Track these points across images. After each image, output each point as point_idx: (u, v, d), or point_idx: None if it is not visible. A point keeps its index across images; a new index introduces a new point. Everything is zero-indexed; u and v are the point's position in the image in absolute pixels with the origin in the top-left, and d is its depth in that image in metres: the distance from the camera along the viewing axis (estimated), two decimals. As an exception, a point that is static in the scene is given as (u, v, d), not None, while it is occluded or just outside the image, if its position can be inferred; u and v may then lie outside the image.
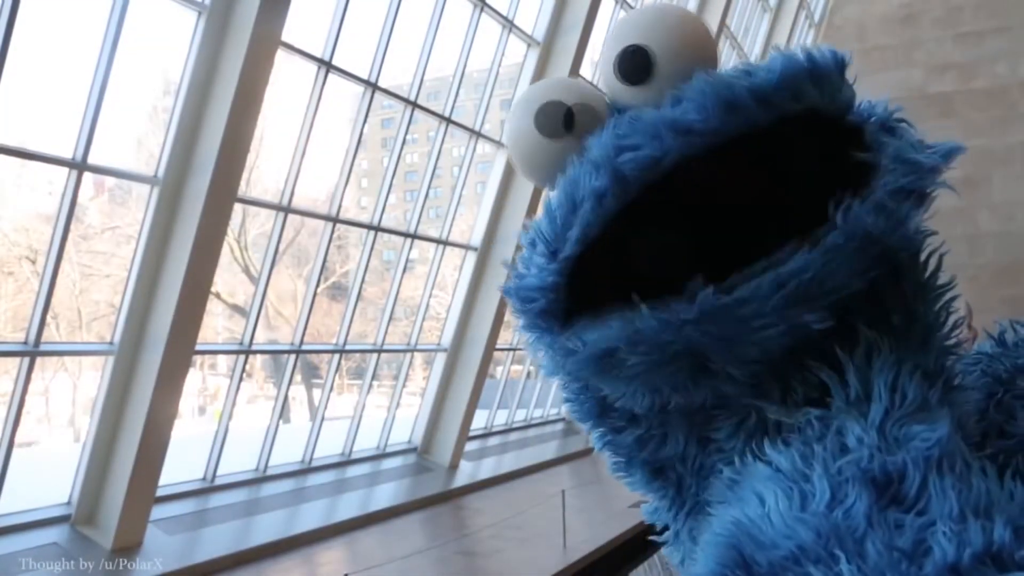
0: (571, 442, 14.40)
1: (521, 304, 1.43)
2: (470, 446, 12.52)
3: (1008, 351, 1.64)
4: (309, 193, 17.21)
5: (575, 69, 11.78)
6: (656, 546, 1.77)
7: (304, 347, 9.98)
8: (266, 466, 9.76)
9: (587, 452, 13.76)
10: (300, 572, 7.64)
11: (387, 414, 11.83)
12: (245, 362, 9.38)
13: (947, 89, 19.55)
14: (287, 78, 11.35)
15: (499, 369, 14.90)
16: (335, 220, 9.69)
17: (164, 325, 7.33)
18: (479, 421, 13.27)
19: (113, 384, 7.50)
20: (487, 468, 12.08)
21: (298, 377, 16.03)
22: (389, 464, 11.29)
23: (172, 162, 7.39)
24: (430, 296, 12.05)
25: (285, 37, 7.76)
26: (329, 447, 10.77)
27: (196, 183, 7.36)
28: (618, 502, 9.38)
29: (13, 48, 6.14)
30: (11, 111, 7.07)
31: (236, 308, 18.07)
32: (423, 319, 11.92)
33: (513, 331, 14.38)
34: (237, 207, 8.16)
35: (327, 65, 8.77)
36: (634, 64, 1.35)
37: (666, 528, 1.69)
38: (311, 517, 8.87)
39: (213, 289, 8.67)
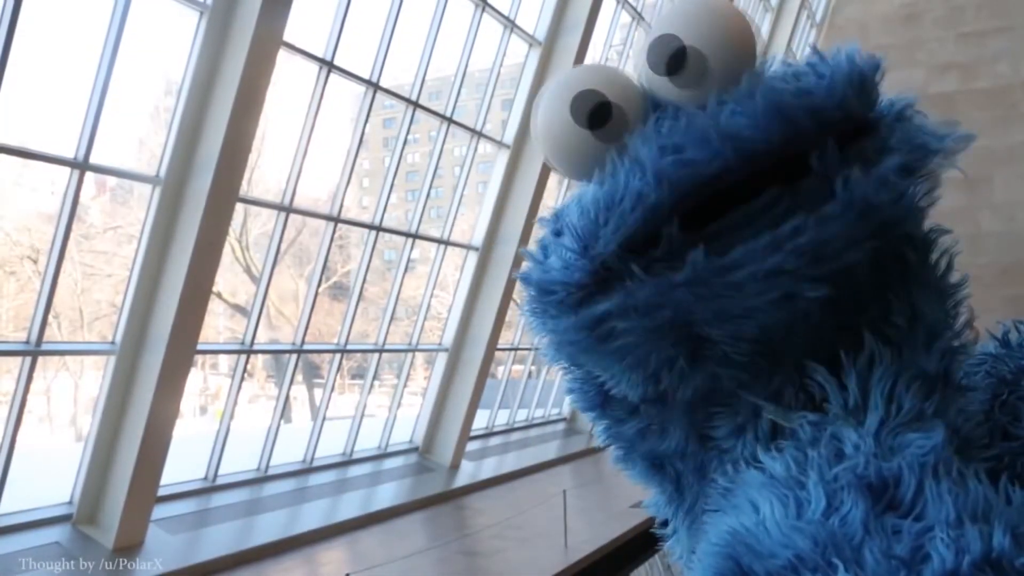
0: (572, 442, 14.40)
1: (540, 294, 1.39)
2: (471, 446, 12.52)
3: (1012, 352, 1.63)
4: (310, 193, 17.24)
5: (576, 69, 11.76)
6: (657, 546, 1.77)
7: (305, 347, 9.97)
8: (267, 466, 9.76)
9: (588, 452, 13.76)
10: (301, 572, 7.64)
11: (388, 414, 11.83)
12: (246, 362, 9.38)
13: (949, 89, 19.53)
14: (288, 78, 11.37)
15: (500, 369, 14.90)
16: (336, 220, 9.69)
17: (165, 325, 7.34)
18: (480, 421, 13.26)
19: (114, 383, 7.50)
20: (488, 468, 12.08)
21: (299, 377, 16.06)
22: (390, 464, 11.29)
23: (174, 162, 7.40)
24: (431, 296, 12.05)
25: (287, 37, 7.76)
26: (330, 447, 10.78)
27: (198, 183, 7.37)
28: (619, 502, 9.38)
29: (15, 48, 6.14)
30: (13, 111, 7.08)
31: (237, 308, 18.09)
32: (424, 319, 11.93)
33: (514, 331, 14.39)
34: (238, 207, 8.16)
35: (328, 65, 8.77)
36: (683, 62, 1.31)
37: (667, 522, 1.69)
38: (312, 517, 8.87)
39: (214, 289, 8.68)
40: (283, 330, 19.41)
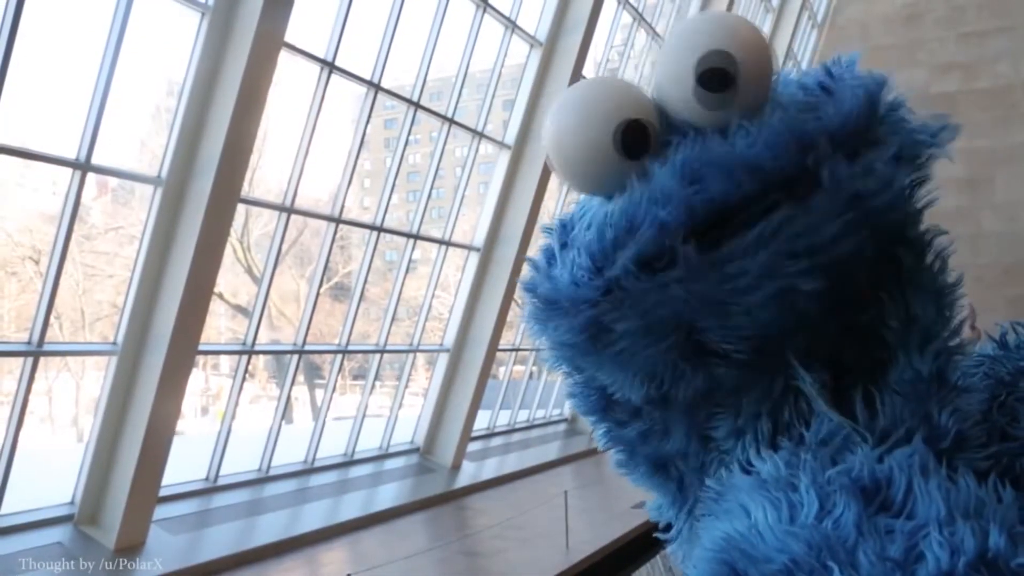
0: (573, 443, 14.39)
1: (547, 306, 1.40)
2: (472, 447, 12.52)
3: (1010, 353, 1.64)
4: (312, 193, 17.25)
5: (578, 69, 11.77)
6: (659, 547, 1.77)
7: (307, 347, 9.98)
8: (269, 466, 9.76)
9: (590, 453, 13.75)
10: (302, 572, 7.65)
11: (389, 414, 11.83)
12: (248, 362, 9.38)
13: (950, 89, 19.52)
14: (290, 79, 11.38)
15: (502, 370, 14.90)
16: (338, 220, 9.70)
17: (167, 325, 7.34)
18: (481, 422, 13.27)
19: (116, 384, 7.51)
20: (489, 469, 12.08)
21: (301, 377, 16.06)
22: (391, 464, 11.29)
23: (175, 162, 7.40)
24: (432, 296, 12.05)
25: (288, 38, 7.77)
26: (331, 447, 10.78)
27: (199, 183, 7.37)
28: (620, 503, 9.37)
29: (17, 49, 6.15)
30: (15, 111, 7.08)
31: (239, 308, 18.10)
32: (425, 319, 11.92)
33: (515, 332, 14.39)
34: (240, 207, 8.16)
35: (330, 66, 8.77)
36: (718, 71, 1.30)
37: (670, 526, 1.69)
38: (313, 517, 8.87)
39: (216, 289, 8.68)
40: (284, 331, 19.43)
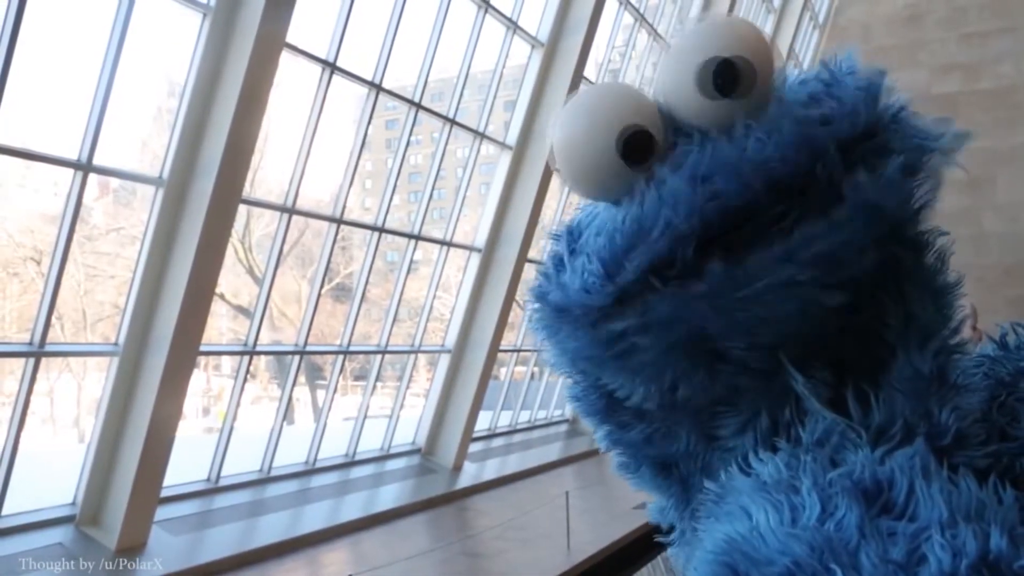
0: (575, 444, 14.38)
1: (556, 312, 1.40)
2: (474, 447, 12.51)
3: (1010, 354, 1.64)
4: (313, 194, 17.25)
5: (579, 70, 11.77)
6: (660, 548, 1.76)
7: (308, 348, 9.98)
8: (270, 467, 9.76)
9: (591, 454, 13.73)
10: (304, 573, 7.64)
11: (391, 415, 11.82)
12: (249, 363, 9.38)
13: (952, 90, 19.50)
14: (291, 79, 11.38)
15: (503, 370, 14.89)
16: (339, 221, 9.70)
17: (168, 326, 7.34)
18: (483, 422, 13.26)
19: (117, 385, 7.51)
20: (491, 469, 12.07)
21: (302, 378, 16.06)
22: (393, 465, 11.29)
23: (176, 163, 7.40)
24: (434, 297, 12.05)
25: (289, 39, 7.77)
26: (333, 448, 10.78)
27: (200, 184, 7.37)
28: (622, 504, 9.37)
29: (19, 49, 6.15)
30: (16, 112, 7.08)
31: (240, 309, 18.11)
32: (427, 320, 11.92)
33: (517, 333, 14.39)
34: (241, 208, 8.17)
35: (331, 66, 8.78)
36: (723, 76, 1.30)
37: (672, 528, 1.69)
38: (315, 518, 8.87)
39: (217, 290, 8.68)
40: (286, 331, 19.43)
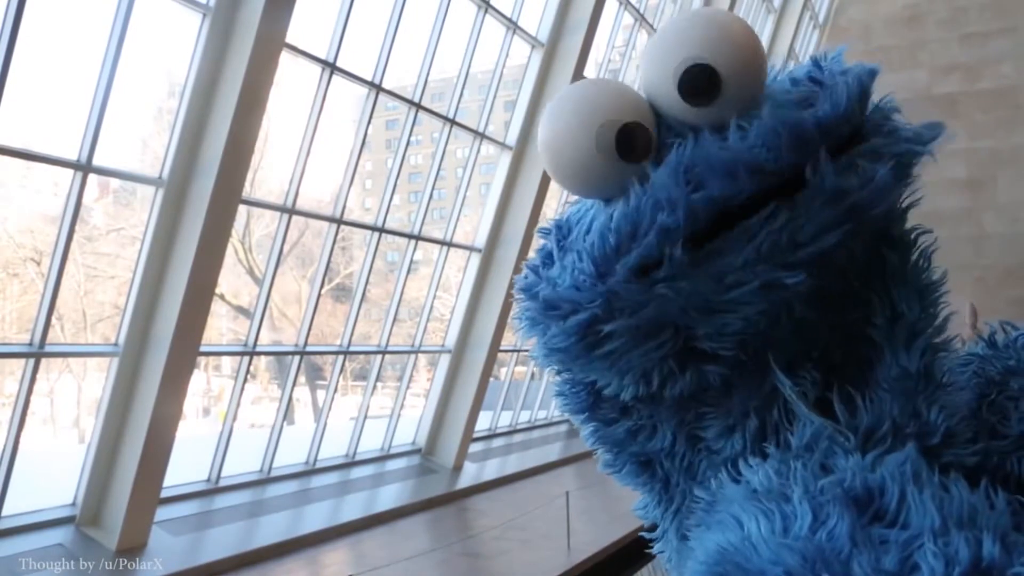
0: (575, 444, 14.38)
1: (544, 308, 1.39)
2: (474, 447, 12.51)
3: (999, 352, 1.64)
4: (313, 194, 17.25)
5: (579, 70, 11.77)
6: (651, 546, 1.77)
7: (308, 348, 9.98)
8: (270, 467, 9.76)
9: (591, 454, 13.51)
10: (304, 573, 7.64)
11: (391, 415, 11.83)
12: (249, 363, 9.39)
13: (952, 90, 19.51)
14: (291, 80, 11.38)
15: (503, 370, 14.89)
16: (339, 221, 9.70)
17: (168, 326, 7.34)
18: (483, 423, 13.26)
19: (117, 385, 7.51)
20: (491, 469, 12.08)
21: (302, 378, 16.06)
22: (393, 465, 11.29)
23: (176, 163, 7.40)
24: (434, 297, 12.05)
25: (289, 39, 7.77)
26: (333, 448, 10.78)
27: (200, 184, 7.37)
28: (622, 504, 9.35)
29: (19, 50, 6.15)
30: (16, 113, 7.09)
31: (240, 309, 18.11)
32: (427, 320, 11.92)
33: (517, 333, 14.37)
34: (241, 208, 8.17)
35: (331, 67, 8.77)
36: (699, 84, 1.28)
37: (655, 526, 1.69)
38: (315, 518, 8.87)
39: (217, 290, 8.68)
40: (286, 332, 19.43)
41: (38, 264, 14.60)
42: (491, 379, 12.54)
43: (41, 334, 7.04)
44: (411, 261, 11.98)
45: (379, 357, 11.32)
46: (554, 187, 12.33)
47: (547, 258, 1.45)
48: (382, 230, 10.38)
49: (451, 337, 11.94)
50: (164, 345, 7.34)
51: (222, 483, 9.11)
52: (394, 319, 11.23)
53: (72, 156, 6.95)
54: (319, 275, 9.96)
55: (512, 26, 11.43)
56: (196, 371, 8.42)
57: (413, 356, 12.16)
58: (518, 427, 14.92)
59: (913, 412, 1.36)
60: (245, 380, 9.44)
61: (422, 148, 17.79)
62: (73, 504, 7.57)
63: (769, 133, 1.25)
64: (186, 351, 7.54)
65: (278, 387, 16.77)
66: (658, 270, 1.26)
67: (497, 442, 13.92)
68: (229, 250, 9.56)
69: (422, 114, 10.51)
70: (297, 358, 9.98)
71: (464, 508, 10.21)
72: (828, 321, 1.43)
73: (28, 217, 15.76)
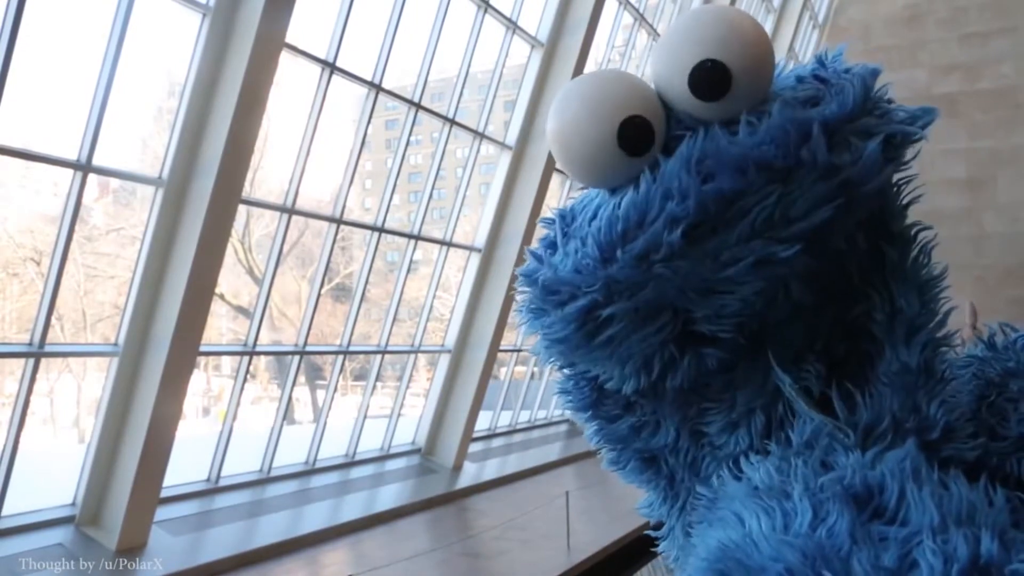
0: (575, 443, 14.39)
1: (544, 293, 1.40)
2: (474, 447, 12.51)
3: (998, 354, 1.65)
4: (313, 194, 17.25)
5: (579, 70, 11.76)
6: (656, 545, 1.78)
7: (308, 348, 9.98)
8: (270, 467, 9.76)
9: (591, 453, 13.61)
10: (304, 573, 7.64)
11: (391, 415, 11.83)
12: (249, 363, 9.39)
13: (952, 90, 19.49)
14: (291, 79, 11.37)
15: (503, 370, 14.89)
16: (339, 221, 9.70)
17: (168, 326, 7.34)
18: (483, 422, 13.26)
19: (117, 385, 7.51)
20: (491, 469, 12.08)
21: (302, 378, 16.06)
22: (393, 465, 11.29)
23: (176, 163, 7.40)
24: (434, 297, 12.05)
25: (289, 39, 7.77)
26: (333, 448, 10.78)
27: (200, 184, 7.37)
28: (622, 504, 9.36)
29: (18, 49, 6.15)
30: (16, 113, 7.08)
31: (240, 309, 18.10)
32: (427, 320, 11.92)
33: (516, 333, 14.38)
34: (241, 208, 8.17)
35: (331, 66, 8.77)
36: (711, 80, 1.30)
37: (661, 524, 1.70)
38: (315, 518, 8.87)
39: (217, 290, 8.68)
40: (286, 332, 19.42)
41: (38, 264, 14.60)
42: (491, 379, 12.54)
43: (41, 334, 7.04)
44: (411, 261, 11.98)
45: (379, 357, 11.32)
46: (554, 187, 12.34)
47: (550, 246, 1.47)
48: (382, 230, 10.38)
49: (451, 337, 11.94)
50: (164, 345, 7.34)
51: (222, 483, 9.11)
52: (394, 319, 11.23)
53: (72, 156, 6.95)
54: (319, 275, 9.96)
55: (512, 26, 11.43)
56: (196, 371, 8.41)
57: (413, 356, 12.16)
58: (518, 427, 14.92)
59: (913, 407, 1.37)
60: (245, 380, 9.44)
61: (422, 148, 17.78)
62: (73, 504, 7.57)
63: (778, 130, 1.27)
64: (186, 351, 7.54)
65: (278, 387, 16.76)
66: (657, 253, 1.27)
67: (497, 442, 13.92)
68: (229, 250, 9.56)
69: (422, 114, 10.51)
70: (297, 358, 9.98)
71: (464, 508, 10.21)
72: (829, 312, 1.44)
73: (28, 217, 15.75)
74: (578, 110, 1.37)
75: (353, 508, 9.41)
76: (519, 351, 14.89)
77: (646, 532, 1.77)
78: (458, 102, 11.08)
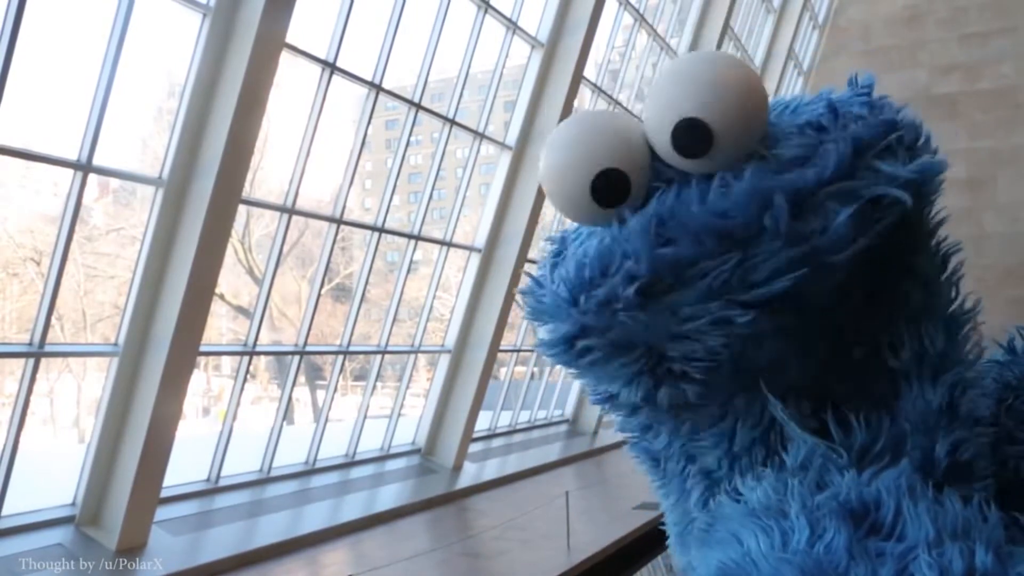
0: (575, 444, 14.39)
1: (532, 318, 1.54)
2: (474, 447, 12.51)
3: (1018, 358, 1.65)
4: (313, 194, 17.25)
5: (579, 70, 11.77)
6: (660, 548, 1.80)
7: (308, 348, 9.98)
8: (270, 467, 9.76)
9: (591, 454, 13.73)
10: (304, 573, 7.64)
11: (391, 415, 11.82)
12: (249, 363, 9.39)
13: (952, 90, 19.50)
14: (291, 80, 11.37)
15: (503, 370, 14.88)
16: (339, 221, 9.70)
17: (168, 326, 7.34)
18: (483, 423, 13.26)
19: (117, 385, 7.51)
20: (491, 469, 12.07)
21: (302, 378, 16.06)
22: (393, 465, 11.29)
23: (176, 163, 7.40)
24: (434, 297, 12.05)
25: (289, 39, 7.77)
26: (333, 448, 10.78)
27: (200, 184, 7.37)
28: (622, 504, 9.37)
29: (19, 50, 6.15)
30: (16, 113, 7.08)
31: (240, 309, 18.10)
32: (427, 320, 11.92)
33: (516, 333, 14.39)
34: (241, 208, 8.17)
35: (331, 67, 8.77)
36: (692, 139, 1.33)
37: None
38: (315, 518, 8.87)
39: (217, 290, 8.68)
40: (286, 332, 19.42)
41: (38, 264, 14.60)
42: (491, 379, 12.54)
43: (41, 334, 7.04)
44: (411, 261, 11.97)
45: (379, 357, 11.32)
46: (554, 187, 12.30)
47: (549, 267, 1.55)
48: (382, 230, 10.38)
49: (451, 337, 11.94)
50: (164, 345, 7.34)
51: (222, 483, 9.11)
52: (394, 319, 11.23)
53: (72, 156, 6.95)
54: (319, 275, 9.95)
55: (512, 26, 11.43)
56: (196, 371, 8.41)
57: (413, 356, 12.16)
58: (518, 427, 14.92)
59: (926, 446, 1.36)
60: (245, 380, 9.44)
61: (422, 148, 17.77)
62: (73, 504, 7.57)
63: (744, 197, 1.28)
64: (186, 351, 7.54)
65: (278, 387, 16.76)
66: (617, 303, 1.33)
67: (497, 442, 13.91)
68: (229, 250, 9.56)
69: (422, 114, 10.51)
70: (297, 358, 9.98)
71: (464, 508, 10.21)
72: (821, 355, 1.43)
73: (28, 217, 15.75)
74: (559, 158, 1.44)
75: (353, 508, 9.41)
76: (519, 351, 14.89)
77: (660, 525, 1.81)
78: (458, 102, 11.08)
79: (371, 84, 9.51)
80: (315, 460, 10.42)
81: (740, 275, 1.30)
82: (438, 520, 9.61)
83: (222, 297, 17.47)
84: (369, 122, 9.81)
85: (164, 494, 7.96)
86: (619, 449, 14.56)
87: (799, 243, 1.30)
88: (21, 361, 7.17)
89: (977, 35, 19.77)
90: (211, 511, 8.61)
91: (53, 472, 9.23)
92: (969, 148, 18.70)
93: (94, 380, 14.74)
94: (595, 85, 13.51)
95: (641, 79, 15.71)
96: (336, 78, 8.90)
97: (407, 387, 12.11)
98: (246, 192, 8.05)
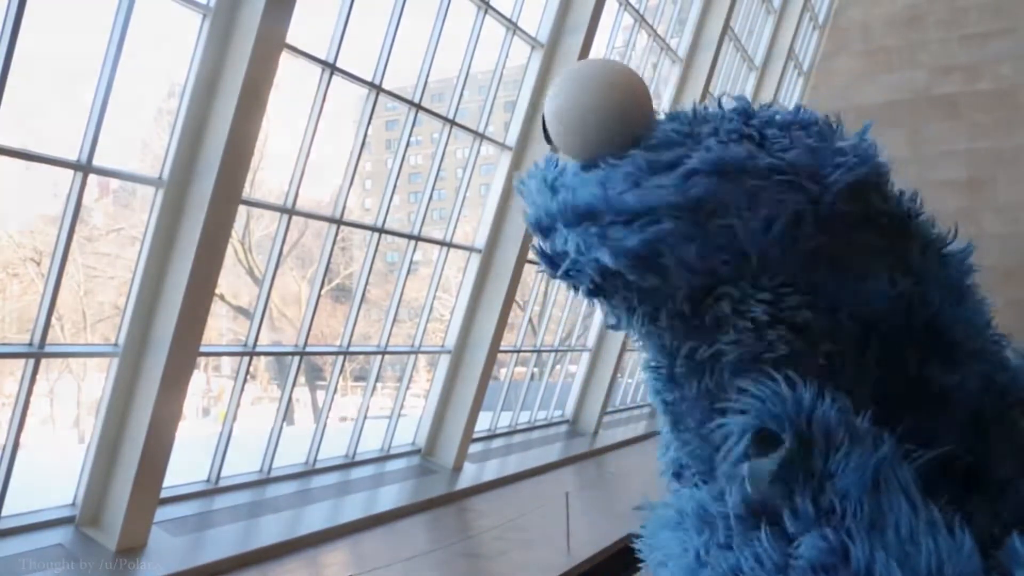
0: (575, 444, 14.39)
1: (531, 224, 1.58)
2: (474, 448, 12.51)
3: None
4: (313, 195, 17.28)
5: (579, 71, 11.75)
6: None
7: (308, 349, 9.98)
8: (270, 468, 9.76)
9: (591, 454, 13.74)
10: (304, 574, 7.64)
11: (391, 416, 11.82)
12: (249, 364, 9.38)
13: (952, 91, 19.51)
14: (291, 80, 11.38)
15: (503, 371, 14.89)
16: (339, 222, 9.70)
17: (168, 327, 7.34)
18: (483, 423, 13.26)
19: (117, 385, 7.51)
20: (491, 470, 12.07)
21: (302, 379, 16.06)
22: (393, 466, 11.28)
23: (176, 164, 7.41)
24: (434, 298, 12.05)
25: (289, 39, 7.77)
26: (333, 449, 10.77)
27: (200, 185, 7.37)
28: (622, 504, 9.36)
29: (19, 50, 6.15)
30: (17, 113, 7.09)
31: (240, 310, 18.13)
32: (427, 321, 11.92)
33: (516, 333, 14.39)
34: (241, 209, 8.17)
35: (331, 67, 8.78)
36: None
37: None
38: (315, 519, 8.87)
39: (217, 291, 8.68)
40: (286, 332, 19.44)
41: (38, 264, 14.61)
42: (491, 380, 12.54)
43: (41, 334, 7.04)
44: (411, 262, 11.97)
45: (379, 357, 11.32)
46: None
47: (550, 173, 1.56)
48: (382, 230, 10.38)
49: (451, 337, 11.94)
50: (164, 345, 7.34)
51: (222, 483, 9.11)
52: (394, 319, 11.22)
53: (72, 156, 6.95)
54: (319, 275, 9.96)
55: (512, 27, 11.43)
56: (196, 371, 8.41)
57: (413, 356, 12.16)
58: (518, 428, 14.91)
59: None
60: (245, 380, 9.44)
61: (422, 148, 17.78)
62: (73, 504, 7.57)
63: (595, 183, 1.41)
64: (186, 351, 7.54)
65: (278, 387, 16.77)
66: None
67: (497, 443, 13.91)
68: (229, 250, 9.56)
69: (422, 114, 10.51)
70: (297, 358, 9.98)
71: (464, 508, 10.21)
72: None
73: (28, 217, 15.76)
74: (575, 82, 1.53)
75: (353, 508, 9.41)
76: (519, 351, 14.89)
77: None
78: (458, 103, 11.08)
79: (371, 84, 9.51)
80: (315, 460, 10.42)
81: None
82: (438, 520, 9.61)
83: (222, 297, 17.49)
84: (369, 122, 9.81)
85: (164, 494, 7.96)
86: (619, 449, 14.58)
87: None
88: (21, 361, 7.17)
89: (977, 36, 19.78)
90: (211, 511, 8.61)
91: (53, 472, 9.23)
92: (969, 149, 18.72)
93: (94, 380, 14.75)
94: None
95: (641, 79, 15.69)
96: (336, 78, 8.91)
97: (407, 387, 12.11)
98: (246, 192, 8.05)
